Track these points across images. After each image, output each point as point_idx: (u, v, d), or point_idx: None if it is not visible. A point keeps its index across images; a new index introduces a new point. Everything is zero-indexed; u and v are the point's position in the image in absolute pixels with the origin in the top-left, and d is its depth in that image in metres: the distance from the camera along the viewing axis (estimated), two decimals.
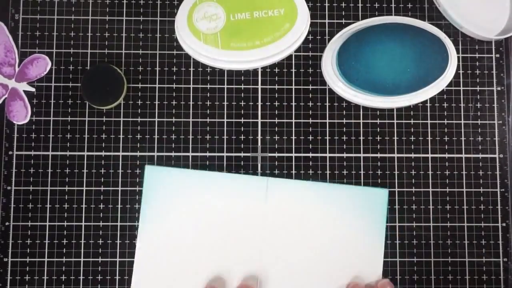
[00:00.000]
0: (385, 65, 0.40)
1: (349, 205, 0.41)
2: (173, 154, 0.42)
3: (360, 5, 0.43)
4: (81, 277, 0.40)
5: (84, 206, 0.41)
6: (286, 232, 0.40)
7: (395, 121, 0.42)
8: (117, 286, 0.40)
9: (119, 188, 0.41)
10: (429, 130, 0.42)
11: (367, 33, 0.40)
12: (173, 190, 0.41)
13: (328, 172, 0.42)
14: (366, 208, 0.41)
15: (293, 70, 0.43)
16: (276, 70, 0.42)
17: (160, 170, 0.41)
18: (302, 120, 0.42)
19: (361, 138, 0.42)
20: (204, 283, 0.40)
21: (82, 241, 0.41)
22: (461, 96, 0.43)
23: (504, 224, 0.42)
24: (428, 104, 0.42)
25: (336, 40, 0.41)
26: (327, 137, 0.42)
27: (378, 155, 0.42)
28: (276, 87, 0.42)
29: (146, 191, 0.41)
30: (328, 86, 0.42)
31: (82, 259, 0.41)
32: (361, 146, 0.42)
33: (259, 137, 0.42)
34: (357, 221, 0.40)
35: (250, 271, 0.40)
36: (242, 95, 0.42)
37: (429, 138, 0.42)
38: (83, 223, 0.41)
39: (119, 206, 0.41)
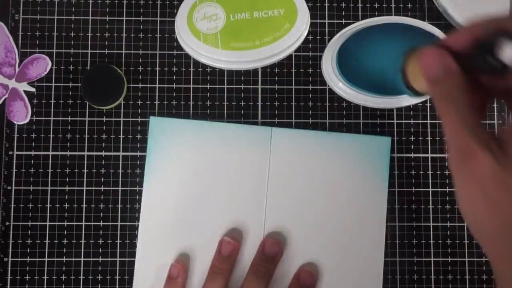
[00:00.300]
0: (385, 65, 0.40)
1: (352, 153, 0.41)
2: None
3: (360, 5, 0.43)
4: (81, 277, 0.40)
5: (84, 206, 0.41)
6: (290, 182, 0.41)
7: (395, 121, 0.42)
8: (117, 286, 0.40)
9: (119, 188, 0.41)
10: (429, 130, 0.42)
11: (367, 33, 0.40)
12: (177, 141, 0.41)
13: None
14: (370, 155, 0.41)
15: (293, 70, 0.43)
16: (276, 70, 0.43)
17: (164, 121, 0.41)
18: (302, 120, 0.42)
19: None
20: (209, 235, 0.40)
21: (82, 241, 0.41)
22: None
23: None
24: (428, 104, 0.42)
25: (336, 40, 0.41)
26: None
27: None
28: (276, 87, 0.42)
29: (151, 141, 0.41)
30: (328, 86, 0.42)
31: (82, 259, 0.41)
32: None
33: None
34: (361, 168, 0.41)
35: (255, 222, 0.40)
36: (242, 95, 0.42)
37: (429, 138, 0.42)
38: (83, 223, 0.41)
39: (119, 206, 0.41)
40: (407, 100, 0.41)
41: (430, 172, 0.42)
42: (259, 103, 0.42)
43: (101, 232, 0.41)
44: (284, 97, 0.42)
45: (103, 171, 0.41)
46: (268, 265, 0.38)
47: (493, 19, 0.24)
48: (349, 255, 0.40)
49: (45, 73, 0.42)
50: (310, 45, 0.43)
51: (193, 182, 0.41)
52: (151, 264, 0.40)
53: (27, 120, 0.41)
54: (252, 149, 0.41)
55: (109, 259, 0.41)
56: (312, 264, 0.40)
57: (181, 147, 0.41)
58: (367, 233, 0.41)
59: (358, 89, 0.40)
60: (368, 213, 0.41)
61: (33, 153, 0.41)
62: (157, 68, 0.42)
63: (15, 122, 0.41)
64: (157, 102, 0.42)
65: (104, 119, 0.42)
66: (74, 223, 0.41)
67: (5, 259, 0.40)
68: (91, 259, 0.41)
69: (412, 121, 0.42)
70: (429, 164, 0.42)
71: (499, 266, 0.24)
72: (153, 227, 0.40)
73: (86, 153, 0.41)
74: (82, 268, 0.40)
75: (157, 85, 0.42)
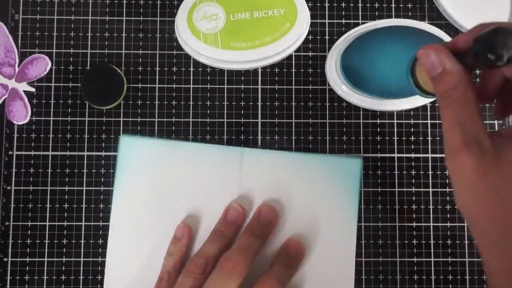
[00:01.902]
0: (389, 68, 0.40)
1: (323, 174, 0.41)
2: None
3: (360, 5, 0.43)
4: (81, 277, 0.40)
5: (84, 206, 0.41)
6: (260, 202, 0.40)
7: (395, 121, 0.42)
8: None
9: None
10: (429, 130, 0.42)
11: (370, 36, 0.40)
12: (147, 160, 0.40)
13: None
14: (340, 176, 0.41)
15: (293, 70, 0.43)
16: (276, 70, 0.42)
17: (135, 140, 0.41)
18: (302, 120, 0.42)
19: (361, 138, 0.42)
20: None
21: (82, 241, 0.41)
22: None
23: None
24: (428, 104, 0.42)
25: (339, 44, 0.41)
26: (327, 137, 0.42)
27: (378, 155, 0.42)
28: (276, 87, 0.42)
29: (121, 160, 0.40)
30: (329, 86, 0.42)
31: (82, 259, 0.41)
32: (361, 146, 0.42)
33: (259, 137, 0.42)
34: (331, 189, 0.41)
35: None
36: (242, 95, 0.42)
37: (429, 138, 0.42)
38: (83, 223, 0.41)
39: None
40: (412, 103, 0.41)
41: (430, 172, 0.42)
42: (259, 103, 0.42)
43: (100, 232, 0.41)
44: (284, 97, 0.42)
45: (102, 171, 0.41)
46: (263, 229, 0.38)
47: (492, 22, 0.25)
48: (319, 277, 0.40)
49: (45, 73, 0.42)
50: (310, 45, 0.43)
51: (162, 203, 0.40)
52: (121, 279, 0.40)
53: (26, 120, 0.41)
54: (222, 169, 0.41)
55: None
56: (300, 235, 0.40)
57: (151, 166, 0.40)
58: (336, 256, 0.40)
59: (362, 92, 0.40)
60: (337, 233, 0.40)
61: (33, 153, 0.41)
62: (157, 68, 0.42)
63: (14, 122, 0.41)
64: (157, 102, 0.42)
65: (104, 119, 0.42)
66: (74, 223, 0.41)
67: (5, 259, 0.40)
68: (91, 259, 0.40)
69: (412, 121, 0.42)
70: (429, 164, 0.42)
71: (486, 256, 0.24)
72: (122, 249, 0.40)
73: (86, 153, 0.41)
74: (82, 268, 0.40)
75: (157, 85, 0.42)
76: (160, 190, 0.40)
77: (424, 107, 0.42)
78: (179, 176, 0.40)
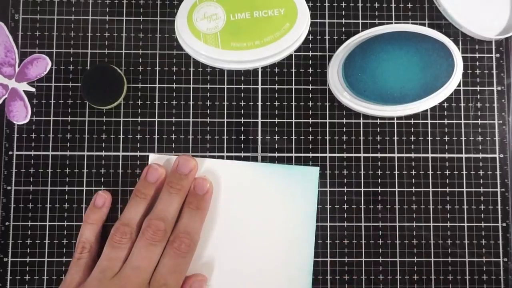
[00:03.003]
0: (391, 74, 0.40)
1: (282, 184, 0.41)
2: (173, 154, 0.42)
3: (360, 5, 0.43)
4: None
5: (84, 206, 0.41)
6: (222, 212, 0.41)
7: (395, 121, 0.42)
8: None
9: (119, 188, 0.41)
10: (429, 130, 0.42)
11: (371, 43, 0.40)
12: None
13: (328, 172, 0.42)
14: (298, 186, 0.41)
15: (293, 70, 0.43)
16: (276, 70, 0.42)
17: (163, 158, 0.41)
18: (302, 120, 0.42)
19: (361, 138, 0.42)
20: None
21: None
22: (461, 96, 0.43)
23: (504, 224, 0.42)
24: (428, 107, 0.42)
25: (340, 52, 0.41)
26: (327, 137, 0.42)
27: (378, 155, 0.42)
28: (276, 87, 0.42)
29: None
30: (329, 86, 0.42)
31: None
32: (361, 146, 0.42)
33: (259, 137, 0.42)
34: (289, 199, 0.41)
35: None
36: (242, 95, 0.42)
37: (429, 138, 0.42)
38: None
39: (119, 206, 0.41)
40: (415, 108, 0.41)
41: (430, 172, 0.42)
42: (259, 103, 0.42)
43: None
44: (284, 97, 0.42)
45: (103, 171, 0.41)
46: (182, 182, 0.39)
47: None
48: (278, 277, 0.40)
49: (45, 73, 0.42)
50: (310, 45, 0.43)
51: None
52: None
53: (27, 120, 0.41)
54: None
55: None
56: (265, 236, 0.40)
57: None
58: (294, 263, 0.41)
59: (366, 100, 0.40)
60: (296, 244, 0.41)
61: (33, 153, 0.41)
62: (157, 68, 0.42)
63: (15, 122, 0.41)
64: (157, 102, 0.42)
65: (104, 119, 0.42)
66: (74, 223, 0.41)
67: (5, 259, 0.40)
68: None
69: (412, 121, 0.42)
70: (429, 164, 0.42)
71: None
72: None
73: (86, 153, 0.41)
74: None
75: (157, 85, 0.42)
76: None
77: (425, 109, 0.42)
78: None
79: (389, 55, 0.40)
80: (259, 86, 0.42)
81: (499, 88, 0.43)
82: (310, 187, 0.41)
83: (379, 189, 0.42)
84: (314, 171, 0.42)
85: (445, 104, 0.42)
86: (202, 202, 0.39)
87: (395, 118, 0.42)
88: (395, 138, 0.42)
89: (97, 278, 0.35)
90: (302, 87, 0.42)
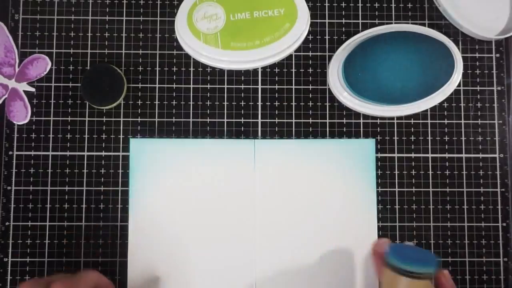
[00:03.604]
0: (391, 74, 0.40)
1: (337, 158, 0.41)
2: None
3: (360, 5, 0.43)
4: None
5: (84, 206, 0.41)
6: (277, 192, 0.41)
7: (395, 121, 0.42)
8: (117, 286, 0.40)
9: (119, 188, 0.41)
10: (429, 130, 0.42)
11: (371, 43, 0.40)
12: (160, 161, 0.41)
13: None
14: (355, 159, 0.41)
15: (293, 70, 0.43)
16: (276, 70, 0.42)
17: (145, 142, 0.41)
18: (302, 120, 0.42)
19: (361, 138, 0.42)
20: (200, 253, 0.40)
21: (82, 241, 0.41)
22: (461, 96, 0.43)
23: (504, 224, 0.42)
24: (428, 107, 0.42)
25: (340, 52, 0.41)
26: (327, 137, 0.42)
27: (378, 155, 0.42)
28: (276, 87, 0.42)
29: (133, 164, 0.41)
30: (329, 86, 0.42)
31: (82, 259, 0.41)
32: None
33: (259, 137, 0.42)
34: (347, 173, 0.41)
35: (244, 236, 0.40)
36: (242, 95, 0.42)
37: (429, 138, 0.42)
38: (83, 223, 0.41)
39: (119, 206, 0.41)
40: (415, 108, 0.41)
41: (430, 172, 0.42)
42: (259, 103, 0.42)
43: (101, 232, 0.41)
44: (284, 97, 0.42)
45: (102, 171, 0.41)
46: None
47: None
48: (342, 258, 0.40)
49: (45, 73, 0.42)
50: (310, 45, 0.43)
51: (179, 201, 0.41)
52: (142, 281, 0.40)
53: (26, 120, 0.41)
54: (236, 163, 0.41)
55: (109, 259, 0.41)
56: (323, 218, 0.40)
57: (164, 166, 0.41)
58: (359, 232, 0.41)
59: (366, 100, 0.40)
60: (358, 215, 0.41)
61: (33, 153, 0.41)
62: (157, 68, 0.42)
63: (15, 122, 0.41)
64: (157, 102, 0.42)
65: (104, 119, 0.42)
66: (74, 223, 0.41)
67: (5, 259, 0.40)
68: (91, 259, 0.40)
69: (412, 121, 0.42)
70: (429, 164, 0.42)
71: None
72: (142, 249, 0.40)
73: (86, 153, 0.41)
74: (82, 268, 0.40)
75: (157, 85, 0.42)
76: (177, 190, 0.41)
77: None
78: (193, 174, 0.41)
79: (389, 55, 0.40)
80: (259, 86, 0.42)
81: (499, 88, 0.43)
82: (367, 161, 0.41)
83: (379, 189, 0.42)
84: (371, 142, 0.41)
85: (445, 104, 0.42)
86: None
87: (395, 118, 0.42)
88: (395, 138, 0.42)
89: None
90: (302, 87, 0.42)
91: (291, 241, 0.40)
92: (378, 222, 0.41)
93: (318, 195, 0.41)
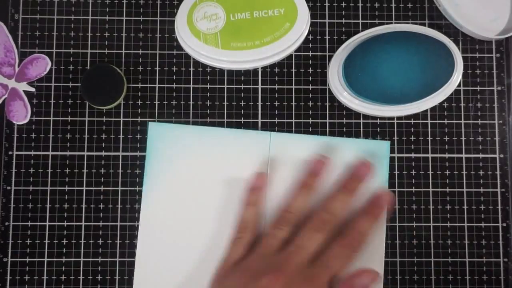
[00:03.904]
0: (392, 74, 0.40)
1: (352, 158, 0.41)
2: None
3: (360, 5, 0.43)
4: (81, 277, 0.40)
5: (84, 206, 0.41)
6: (290, 186, 0.41)
7: (395, 121, 0.42)
8: (117, 286, 0.40)
9: (119, 188, 0.41)
10: (429, 130, 0.42)
11: (371, 43, 0.40)
12: (176, 146, 0.41)
13: None
14: (370, 159, 0.41)
15: (293, 70, 0.43)
16: (276, 70, 0.42)
17: (163, 127, 0.41)
18: (302, 120, 0.42)
19: (361, 138, 0.42)
20: (209, 240, 0.40)
21: (82, 241, 0.41)
22: (461, 96, 0.43)
23: (504, 224, 0.42)
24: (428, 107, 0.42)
25: (340, 52, 0.41)
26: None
27: None
28: (276, 87, 0.42)
29: (150, 147, 0.41)
30: (329, 86, 0.42)
31: (82, 259, 0.41)
32: None
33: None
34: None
35: (257, 228, 0.40)
36: (242, 95, 0.42)
37: (429, 138, 0.42)
38: (83, 223, 0.41)
39: (119, 206, 0.41)
40: (415, 108, 0.41)
41: (430, 172, 0.42)
42: (259, 103, 0.42)
43: (101, 232, 0.41)
44: (284, 97, 0.42)
45: (103, 171, 0.41)
46: (355, 184, 0.40)
47: None
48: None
49: (45, 73, 0.42)
50: (310, 45, 0.43)
51: (192, 187, 0.41)
52: (151, 268, 0.40)
53: (26, 120, 0.41)
54: (251, 154, 0.41)
55: (108, 259, 0.41)
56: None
57: (180, 152, 0.41)
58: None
59: (364, 99, 0.40)
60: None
61: (32, 153, 0.41)
62: (157, 68, 0.42)
63: (14, 122, 0.41)
64: (157, 102, 0.42)
65: (104, 119, 0.42)
66: (74, 223, 0.41)
67: (5, 259, 0.40)
68: (91, 259, 0.40)
69: (412, 121, 0.42)
70: (429, 164, 0.42)
71: None
72: (153, 234, 0.40)
73: (86, 153, 0.41)
74: (82, 268, 0.40)
75: (157, 85, 0.42)
76: (191, 176, 0.41)
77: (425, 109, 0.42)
78: (208, 162, 0.41)
79: (389, 55, 0.40)
80: (259, 86, 0.42)
81: (499, 88, 0.43)
82: (381, 162, 0.41)
83: None
84: (385, 144, 0.42)
85: (445, 104, 0.42)
86: (379, 210, 0.40)
87: (395, 118, 0.42)
88: (395, 138, 0.42)
89: (260, 253, 0.37)
90: (302, 87, 0.42)
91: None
92: None
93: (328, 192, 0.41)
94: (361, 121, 0.42)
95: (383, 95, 0.40)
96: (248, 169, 0.41)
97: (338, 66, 0.41)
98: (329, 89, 0.42)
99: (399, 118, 0.42)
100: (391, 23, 0.43)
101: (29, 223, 0.41)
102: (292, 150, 0.41)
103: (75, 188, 0.41)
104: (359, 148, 0.41)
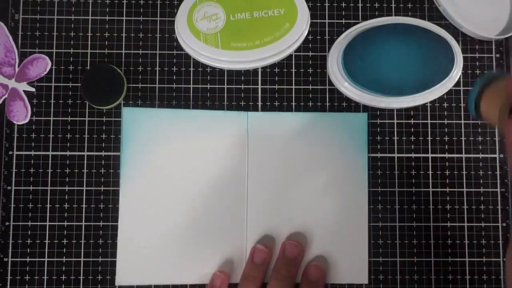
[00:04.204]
0: (391, 65, 0.40)
1: (330, 131, 0.41)
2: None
3: (360, 5, 0.43)
4: (81, 277, 0.40)
5: (84, 206, 0.41)
6: (270, 165, 0.41)
7: (395, 121, 0.42)
8: (117, 287, 0.40)
9: (119, 188, 0.41)
10: (429, 130, 0.42)
11: (373, 33, 0.40)
12: (152, 131, 0.41)
13: None
14: (347, 132, 0.41)
15: (293, 70, 0.43)
16: (276, 70, 0.42)
17: (138, 111, 0.41)
18: None
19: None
20: (190, 223, 0.40)
21: (82, 241, 0.41)
22: (461, 96, 0.43)
23: (504, 224, 0.42)
24: (428, 104, 0.42)
25: (342, 39, 0.41)
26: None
27: (379, 155, 0.42)
28: (276, 87, 0.42)
29: (125, 134, 0.41)
30: (329, 86, 0.42)
31: (82, 259, 0.41)
32: None
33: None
34: (339, 146, 0.41)
35: (237, 208, 0.41)
36: (242, 95, 0.42)
37: (429, 138, 0.42)
38: (83, 223, 0.41)
39: (119, 206, 0.41)
40: (412, 101, 0.41)
41: (430, 172, 0.42)
42: (259, 103, 0.42)
43: (101, 232, 0.41)
44: (284, 97, 0.42)
45: (103, 171, 0.41)
46: (289, 268, 0.39)
47: None
48: (336, 226, 0.41)
49: (45, 73, 0.42)
50: (310, 45, 0.43)
51: (170, 172, 0.41)
52: (132, 257, 0.40)
53: (27, 120, 0.41)
54: (229, 134, 0.41)
55: (109, 259, 0.41)
56: (319, 257, 0.40)
57: (156, 136, 0.41)
58: (351, 201, 0.41)
59: (363, 89, 0.40)
60: (350, 184, 0.41)
61: (33, 153, 0.41)
62: (157, 68, 0.42)
63: (14, 122, 0.41)
64: (157, 102, 0.42)
65: (104, 119, 0.42)
66: (74, 223, 0.41)
67: (5, 259, 0.40)
68: (91, 259, 0.40)
69: (412, 121, 0.42)
70: (429, 164, 0.42)
71: None
72: (134, 222, 0.40)
73: (86, 153, 0.41)
74: (82, 268, 0.40)
75: (157, 85, 0.42)
76: (169, 161, 0.41)
77: (424, 107, 0.42)
78: (186, 144, 0.41)
79: (390, 46, 0.40)
80: (259, 86, 0.42)
81: None
82: (359, 134, 0.41)
83: (379, 189, 0.42)
84: (363, 116, 0.42)
85: (445, 104, 0.42)
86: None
87: (395, 118, 0.42)
88: (395, 138, 0.42)
89: None
90: (302, 87, 0.42)
91: (282, 213, 0.41)
92: (378, 222, 0.41)
93: (311, 167, 0.41)
94: None
95: (381, 85, 0.40)
96: (227, 150, 0.41)
97: (338, 54, 0.41)
98: (329, 89, 0.42)
99: (399, 117, 0.42)
100: None
101: (29, 223, 0.41)
102: (270, 128, 0.41)
103: (75, 188, 0.41)
104: (337, 122, 0.41)
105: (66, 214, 0.41)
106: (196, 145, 0.41)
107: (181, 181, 0.41)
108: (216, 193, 0.41)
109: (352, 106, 0.42)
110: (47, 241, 0.41)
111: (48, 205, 0.41)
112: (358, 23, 0.43)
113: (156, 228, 0.40)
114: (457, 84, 0.42)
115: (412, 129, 0.42)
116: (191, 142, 0.41)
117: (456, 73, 0.40)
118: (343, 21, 0.43)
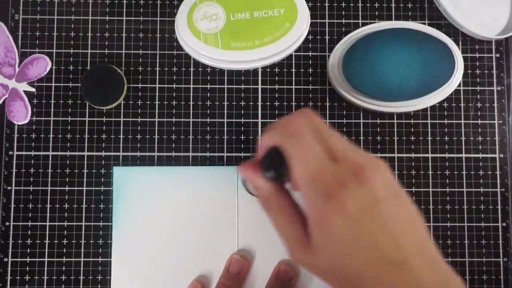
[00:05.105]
0: (391, 70, 0.40)
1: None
2: (173, 154, 0.42)
3: (360, 5, 0.43)
4: (81, 277, 0.40)
5: (84, 206, 0.41)
6: (261, 218, 0.40)
7: (395, 121, 0.42)
8: None
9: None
10: (429, 130, 0.42)
11: (373, 38, 0.40)
12: (142, 190, 0.41)
13: None
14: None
15: (293, 70, 0.43)
16: (276, 70, 0.42)
17: (128, 170, 0.41)
18: None
19: (361, 138, 0.42)
20: (182, 280, 0.40)
21: (82, 241, 0.41)
22: (461, 96, 0.43)
23: (504, 224, 0.42)
24: (428, 106, 0.42)
25: (342, 44, 0.41)
26: None
27: (379, 155, 0.42)
28: (276, 87, 0.42)
29: (117, 193, 0.41)
30: (329, 86, 0.42)
31: (82, 259, 0.41)
32: (361, 146, 0.42)
33: (259, 137, 0.42)
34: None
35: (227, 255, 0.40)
36: (242, 95, 0.42)
37: (429, 138, 0.42)
38: (83, 223, 0.41)
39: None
40: (412, 106, 0.41)
41: (430, 172, 0.42)
42: (259, 103, 0.42)
43: (100, 232, 0.41)
44: (284, 97, 0.42)
45: (102, 171, 0.41)
46: (231, 283, 0.39)
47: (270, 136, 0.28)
48: None
49: (45, 73, 0.42)
50: (310, 45, 0.43)
51: (162, 229, 0.40)
52: None
53: (27, 120, 0.41)
54: (219, 189, 0.41)
55: (108, 259, 0.41)
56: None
57: (147, 195, 0.41)
58: None
59: (363, 94, 0.40)
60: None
61: (33, 153, 0.41)
62: (157, 68, 0.42)
63: (15, 122, 0.41)
64: (157, 102, 0.42)
65: (104, 119, 0.42)
66: (74, 223, 0.41)
67: (5, 259, 0.40)
68: (91, 259, 0.40)
69: (412, 121, 0.42)
70: (429, 164, 0.42)
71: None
72: (126, 278, 0.40)
73: (86, 153, 0.41)
74: (82, 268, 0.40)
75: (157, 85, 0.42)
76: (160, 218, 0.41)
77: (424, 108, 0.42)
78: (177, 202, 0.41)
79: (390, 51, 0.40)
80: (259, 86, 0.42)
81: (499, 88, 0.43)
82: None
83: None
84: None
85: (445, 104, 0.42)
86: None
87: (395, 118, 0.42)
88: (395, 138, 0.42)
89: None
90: (302, 87, 0.42)
91: (272, 266, 0.40)
92: None
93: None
94: (361, 121, 0.42)
95: (381, 90, 0.40)
96: (217, 205, 0.41)
97: (338, 58, 0.41)
98: (329, 89, 0.42)
99: (399, 118, 0.42)
100: None
101: (30, 223, 0.41)
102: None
103: (75, 188, 0.41)
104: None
105: (66, 214, 0.41)
106: (186, 202, 0.41)
107: (172, 238, 0.40)
108: (206, 246, 0.40)
109: (352, 107, 0.42)
110: (47, 241, 0.41)
111: (48, 205, 0.41)
112: (358, 23, 0.43)
113: (148, 280, 0.40)
114: (457, 85, 0.42)
115: (412, 129, 0.42)
116: (181, 199, 0.41)
117: (457, 78, 0.40)
118: (343, 21, 0.43)
